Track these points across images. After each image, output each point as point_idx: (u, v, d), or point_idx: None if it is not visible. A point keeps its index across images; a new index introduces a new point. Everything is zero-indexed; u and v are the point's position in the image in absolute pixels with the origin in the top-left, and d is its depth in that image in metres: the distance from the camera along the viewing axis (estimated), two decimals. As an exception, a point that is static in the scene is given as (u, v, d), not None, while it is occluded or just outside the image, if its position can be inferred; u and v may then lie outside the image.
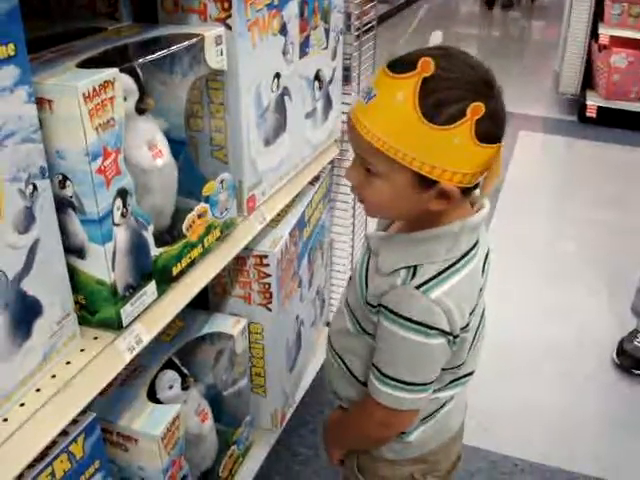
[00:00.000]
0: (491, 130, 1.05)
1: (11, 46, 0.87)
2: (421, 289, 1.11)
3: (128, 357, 1.14)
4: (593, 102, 4.88)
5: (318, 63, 1.76)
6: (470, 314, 1.17)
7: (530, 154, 4.50)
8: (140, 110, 1.17)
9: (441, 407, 1.33)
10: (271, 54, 1.50)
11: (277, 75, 1.54)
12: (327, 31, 1.77)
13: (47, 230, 0.99)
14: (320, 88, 1.80)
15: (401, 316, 1.12)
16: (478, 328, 1.25)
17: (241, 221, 1.50)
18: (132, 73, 1.10)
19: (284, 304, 1.78)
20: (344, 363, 1.33)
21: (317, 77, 1.76)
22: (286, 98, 1.61)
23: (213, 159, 1.46)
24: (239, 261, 1.66)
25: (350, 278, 1.35)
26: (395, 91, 1.02)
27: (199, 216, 1.31)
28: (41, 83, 0.96)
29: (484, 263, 1.23)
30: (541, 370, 2.58)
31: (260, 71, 1.47)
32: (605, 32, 4.70)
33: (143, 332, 1.18)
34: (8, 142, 0.89)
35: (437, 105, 1.01)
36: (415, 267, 1.13)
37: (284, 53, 1.55)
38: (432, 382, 1.19)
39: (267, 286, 1.69)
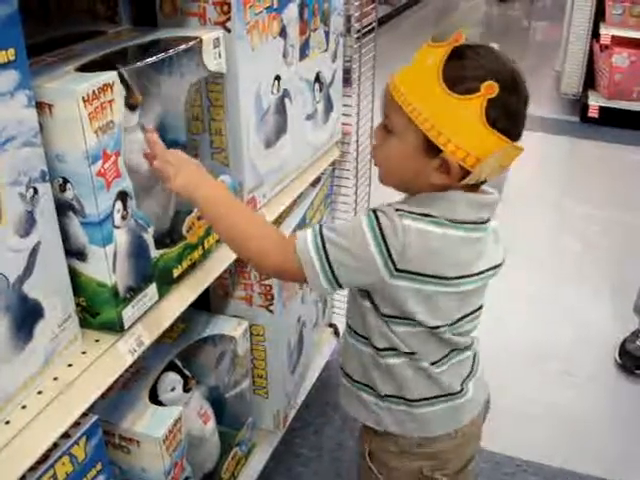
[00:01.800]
0: (502, 119, 1.09)
1: (11, 51, 0.88)
2: (398, 212, 1.13)
3: (130, 359, 1.15)
4: (595, 102, 4.88)
5: (318, 65, 1.76)
6: (437, 277, 1.15)
7: (532, 154, 4.48)
8: (130, 106, 1.17)
9: (454, 394, 1.32)
10: (271, 57, 1.50)
11: (277, 77, 1.54)
12: (327, 33, 1.77)
13: (48, 233, 1.00)
14: (320, 90, 1.80)
15: (375, 215, 1.12)
16: (465, 316, 1.26)
17: (242, 223, 1.50)
18: (122, 76, 1.09)
19: (286, 306, 1.78)
20: (349, 326, 1.33)
21: (317, 79, 1.77)
22: (286, 100, 1.61)
23: (213, 162, 1.46)
24: (240, 263, 1.66)
25: None
26: (427, 57, 1.12)
27: (199, 218, 1.31)
28: (41, 87, 0.97)
29: (487, 270, 1.24)
30: (543, 370, 2.58)
31: (260, 74, 1.47)
32: (606, 32, 4.70)
33: (144, 334, 1.19)
34: (8, 146, 0.90)
35: (458, 77, 1.08)
36: (409, 212, 1.14)
37: (284, 55, 1.56)
38: (338, 284, 1.15)
39: (268, 288, 1.70)
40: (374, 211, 1.14)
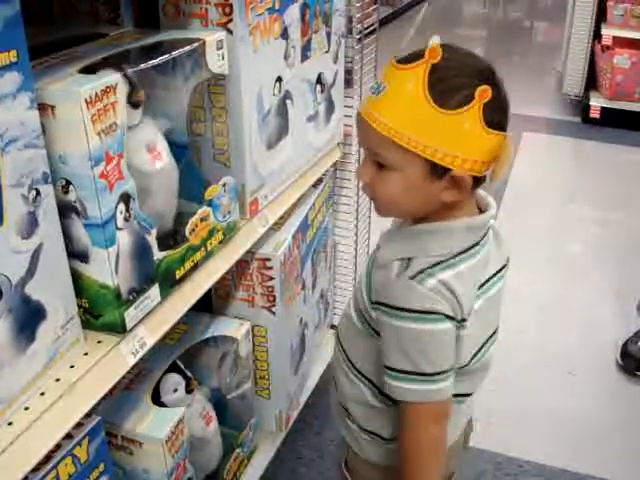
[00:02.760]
0: (497, 116, 1.08)
1: (13, 52, 0.88)
2: (415, 279, 1.11)
3: (132, 361, 1.15)
4: (596, 103, 4.88)
5: (320, 66, 1.76)
6: (468, 315, 1.16)
7: (534, 155, 4.49)
8: (133, 104, 1.17)
9: None
10: (272, 58, 1.51)
11: (279, 79, 1.54)
12: (329, 34, 1.77)
13: (50, 235, 1.00)
14: (322, 91, 1.80)
15: (400, 308, 1.12)
16: (480, 350, 1.25)
17: (244, 224, 1.50)
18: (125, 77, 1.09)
19: (288, 307, 1.79)
20: (347, 356, 1.33)
21: (319, 80, 1.77)
22: (288, 102, 1.61)
23: (215, 163, 1.46)
24: (242, 264, 1.66)
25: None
26: (405, 81, 1.06)
27: (201, 219, 1.31)
28: (43, 89, 0.96)
29: (493, 275, 1.24)
30: (545, 371, 2.58)
31: (262, 75, 1.47)
32: (608, 33, 4.70)
33: (147, 336, 1.19)
34: (11, 148, 0.90)
35: (446, 90, 1.04)
36: (409, 259, 1.14)
37: (286, 57, 1.56)
38: (451, 369, 1.16)
39: (270, 289, 1.70)
40: (389, 306, 1.13)
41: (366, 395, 1.30)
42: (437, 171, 1.08)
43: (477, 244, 1.18)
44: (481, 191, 1.21)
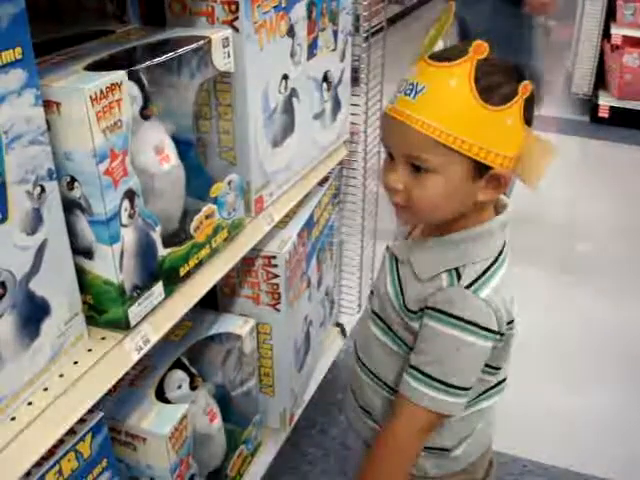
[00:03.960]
0: (531, 113, 1.08)
1: (18, 49, 0.88)
2: (471, 288, 1.11)
3: (136, 357, 1.15)
4: (605, 102, 4.87)
5: (326, 65, 1.76)
6: (508, 325, 1.18)
7: (542, 154, 4.47)
8: (145, 116, 1.18)
9: (483, 417, 1.32)
10: (279, 56, 1.51)
11: (285, 77, 1.54)
12: (335, 33, 1.77)
13: (55, 231, 1.00)
14: (328, 90, 1.80)
15: (452, 315, 1.11)
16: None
17: (249, 222, 1.51)
18: (136, 79, 1.09)
19: (292, 305, 1.79)
20: (375, 375, 1.32)
21: (325, 79, 1.77)
22: (294, 99, 1.61)
23: (221, 160, 1.47)
24: (247, 262, 1.67)
25: (372, 292, 1.34)
26: (447, 78, 1.04)
27: (207, 217, 1.31)
28: (49, 86, 0.97)
29: None
30: (550, 371, 2.57)
31: (268, 73, 1.47)
32: (617, 32, 4.69)
33: (151, 332, 1.19)
34: (16, 144, 0.90)
35: (491, 86, 1.04)
36: (457, 269, 1.14)
37: (292, 55, 1.56)
38: (471, 388, 1.17)
39: (275, 287, 1.70)
40: (442, 312, 1.12)
41: None
42: (479, 170, 1.07)
43: (505, 244, 1.20)
44: None
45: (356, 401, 1.39)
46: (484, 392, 1.28)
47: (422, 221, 1.22)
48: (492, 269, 1.14)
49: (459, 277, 1.13)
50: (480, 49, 1.03)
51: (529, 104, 1.06)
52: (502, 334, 1.16)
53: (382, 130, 1.15)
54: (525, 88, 1.04)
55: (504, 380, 1.33)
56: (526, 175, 1.11)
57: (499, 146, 1.05)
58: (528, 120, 1.07)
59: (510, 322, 1.18)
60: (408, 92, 1.06)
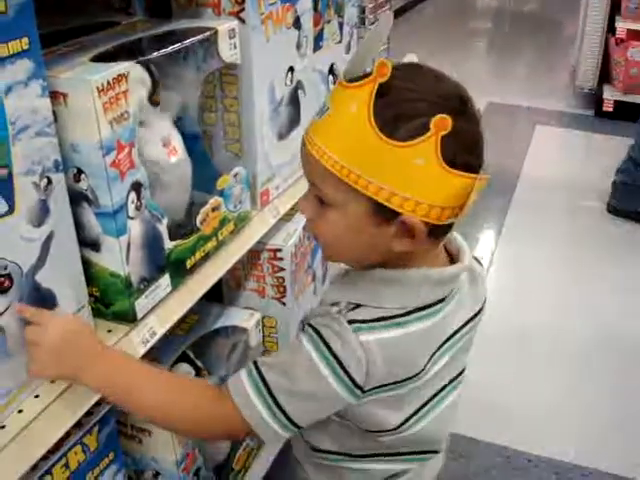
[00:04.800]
0: (462, 154, 0.89)
1: (25, 40, 0.88)
2: (353, 326, 0.95)
3: (142, 350, 1.15)
4: (610, 96, 4.85)
5: (332, 57, 1.75)
6: (409, 378, 0.99)
7: (546, 148, 4.47)
8: (153, 102, 1.17)
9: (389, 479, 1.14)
10: (285, 48, 1.50)
11: (291, 69, 1.54)
12: (341, 25, 1.76)
13: (61, 223, 1.00)
14: (334, 82, 1.79)
15: (322, 340, 0.95)
16: (436, 395, 1.08)
17: (255, 215, 1.50)
18: (145, 65, 1.09)
19: (298, 298, 1.78)
20: None
21: (331, 71, 1.76)
22: (300, 92, 1.61)
23: (227, 153, 1.46)
24: (253, 255, 1.66)
25: None
26: (349, 102, 0.88)
27: (213, 209, 1.31)
28: (55, 77, 0.96)
29: (466, 323, 1.09)
30: (556, 366, 2.57)
31: (274, 65, 1.47)
32: (622, 26, 4.67)
33: (157, 325, 1.19)
34: (22, 136, 0.90)
35: (396, 117, 0.87)
36: (358, 305, 0.98)
37: (298, 47, 1.55)
38: (297, 427, 0.99)
39: (281, 280, 1.70)
40: (318, 333, 0.96)
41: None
42: (385, 214, 0.91)
43: (442, 300, 1.01)
44: (455, 235, 1.06)
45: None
46: (370, 455, 1.11)
47: (332, 259, 1.09)
48: (392, 321, 0.96)
49: (352, 310, 0.97)
50: (383, 69, 0.85)
51: (455, 142, 0.86)
52: (365, 391, 0.96)
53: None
54: (439, 123, 0.84)
55: (426, 452, 1.15)
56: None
57: (407, 189, 0.88)
58: (455, 162, 0.87)
59: (390, 384, 0.98)
60: (319, 113, 0.95)
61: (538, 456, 2.16)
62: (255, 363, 0.99)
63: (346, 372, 0.94)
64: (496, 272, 3.08)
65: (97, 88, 0.97)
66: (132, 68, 1.04)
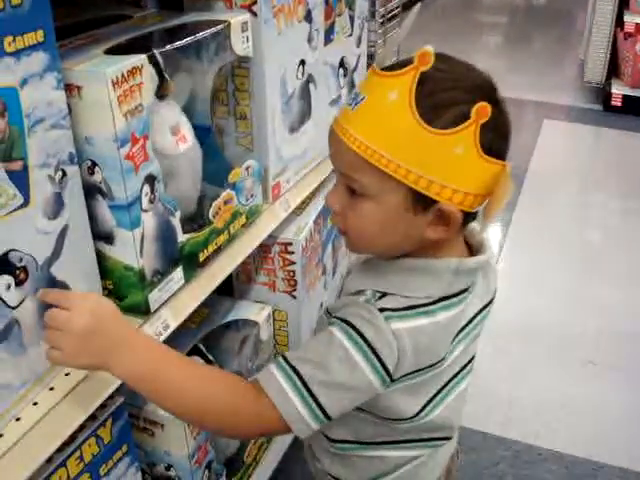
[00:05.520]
0: (496, 141, 0.91)
1: (40, 32, 0.88)
2: (384, 313, 0.95)
3: (155, 343, 1.15)
4: (618, 90, 4.83)
5: (343, 50, 1.75)
6: (432, 365, 1.00)
7: (554, 143, 4.46)
8: (160, 96, 1.17)
9: (403, 465, 1.14)
10: (296, 41, 1.50)
11: (302, 62, 1.54)
12: (352, 18, 1.76)
13: (76, 216, 1.00)
14: (345, 75, 1.79)
15: (354, 328, 0.95)
16: (449, 382, 1.09)
17: (266, 208, 1.50)
18: (152, 60, 1.08)
19: (308, 291, 1.78)
20: None
21: (342, 64, 1.76)
22: (311, 85, 1.60)
23: (238, 146, 1.46)
24: (264, 248, 1.66)
25: None
26: (387, 90, 0.88)
27: (225, 202, 1.31)
28: (70, 69, 0.97)
29: (478, 313, 1.09)
30: (566, 359, 2.57)
31: (285, 58, 1.47)
32: (631, 20, 4.66)
33: (170, 318, 1.19)
34: (38, 128, 0.90)
35: (437, 105, 0.87)
36: (384, 293, 0.98)
37: (309, 40, 1.55)
38: (329, 419, 0.97)
39: (292, 273, 1.70)
40: (348, 322, 0.95)
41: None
42: (422, 202, 0.91)
43: (465, 290, 1.02)
44: (475, 225, 1.05)
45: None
46: (385, 442, 1.11)
47: (360, 250, 1.07)
48: (421, 309, 0.97)
49: (381, 299, 0.97)
50: (425, 58, 0.86)
51: (491, 130, 0.88)
52: (393, 380, 0.96)
53: (328, 144, 0.99)
54: (481, 110, 0.86)
55: (440, 439, 1.15)
56: (488, 210, 0.94)
57: (445, 177, 0.88)
58: (491, 150, 0.89)
59: (414, 372, 0.98)
60: (351, 102, 0.93)
61: (548, 450, 2.16)
62: (284, 357, 0.98)
63: (379, 360, 0.94)
64: (505, 266, 3.07)
65: (112, 81, 0.97)
66: (146, 61, 1.04)
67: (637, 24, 4.63)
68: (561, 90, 5.27)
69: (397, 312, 0.95)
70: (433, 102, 0.87)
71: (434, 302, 0.98)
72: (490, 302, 1.13)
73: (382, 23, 1.96)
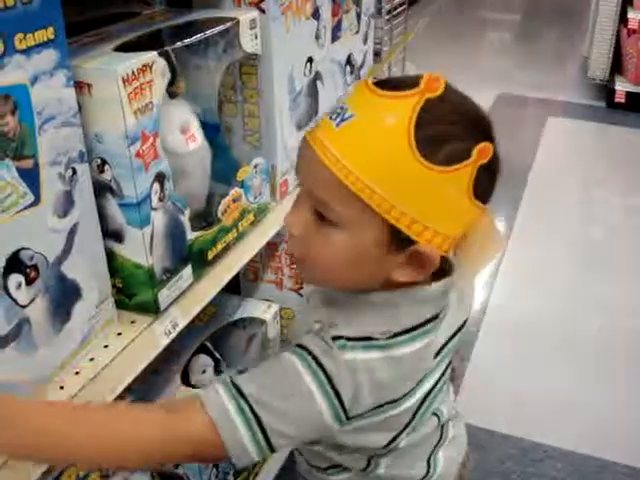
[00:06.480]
0: (488, 185, 0.84)
1: (50, 30, 0.87)
2: (337, 342, 0.85)
3: (165, 341, 1.14)
4: (622, 87, 4.82)
5: (350, 47, 1.75)
6: (396, 400, 0.91)
7: (558, 140, 4.45)
8: (171, 93, 1.17)
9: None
10: (304, 38, 1.49)
11: (310, 59, 1.53)
12: (359, 15, 1.76)
13: (86, 214, 1.00)
14: (352, 72, 1.79)
15: (309, 352, 0.86)
16: (419, 410, 0.98)
17: (274, 206, 1.50)
18: (165, 56, 1.07)
19: (315, 290, 1.78)
20: None
21: (349, 61, 1.75)
22: (318, 82, 1.60)
23: (246, 144, 1.46)
24: (271, 246, 1.66)
25: None
26: (384, 113, 0.79)
27: (234, 200, 1.31)
28: (80, 67, 0.96)
29: (451, 337, 1.00)
30: (572, 358, 2.56)
31: (293, 55, 1.46)
32: (634, 17, 4.63)
33: (179, 316, 1.18)
34: (48, 126, 0.90)
35: (436, 138, 0.79)
36: (337, 324, 0.89)
37: (316, 37, 1.54)
38: (271, 450, 0.85)
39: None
40: (303, 347, 0.86)
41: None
42: (399, 241, 0.82)
43: (435, 318, 0.92)
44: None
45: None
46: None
47: (315, 283, 0.98)
48: (373, 342, 0.86)
49: (332, 327, 0.88)
50: (434, 84, 0.78)
51: (485, 174, 0.81)
52: (349, 417, 0.87)
53: (297, 156, 0.88)
54: (483, 151, 0.78)
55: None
56: (465, 262, 0.89)
57: (430, 217, 0.80)
58: (480, 193, 0.82)
59: (373, 409, 0.89)
60: (334, 116, 0.82)
61: (555, 448, 2.16)
62: (231, 378, 0.87)
63: (334, 388, 0.84)
64: (508, 263, 3.06)
65: (122, 78, 0.96)
66: (156, 58, 1.04)
67: (641, 21, 4.62)
68: (565, 87, 5.25)
69: (352, 342, 0.86)
70: (432, 133, 0.78)
71: (394, 336, 0.88)
72: (459, 329, 1.02)
73: (388, 20, 1.95)
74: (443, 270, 0.90)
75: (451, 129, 0.80)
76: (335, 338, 0.85)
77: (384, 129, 0.78)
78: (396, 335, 0.88)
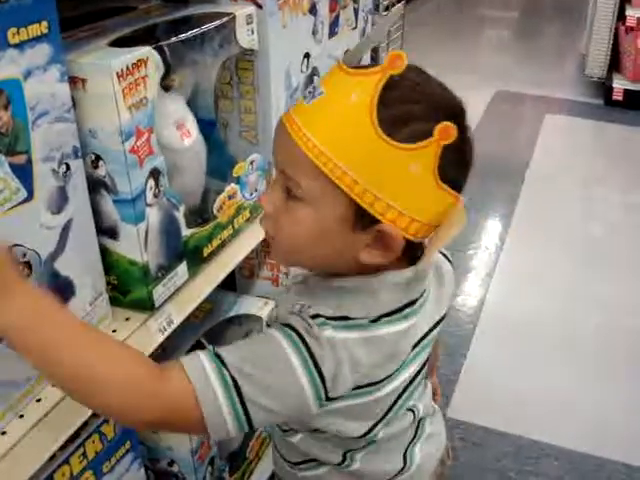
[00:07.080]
0: (456, 170, 0.84)
1: (44, 24, 0.86)
2: (316, 320, 0.86)
3: (160, 338, 1.14)
4: (619, 85, 4.81)
5: (347, 43, 1.73)
6: (375, 383, 0.91)
7: (555, 138, 4.45)
8: (165, 87, 1.16)
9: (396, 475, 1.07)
10: (301, 34, 1.48)
11: (307, 55, 1.52)
12: (356, 11, 1.75)
13: (80, 210, 0.99)
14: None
15: (293, 328, 0.86)
16: (396, 403, 0.98)
17: (270, 203, 1.49)
18: (159, 49, 1.06)
19: (311, 287, 1.77)
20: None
21: (346, 58, 1.75)
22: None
23: (242, 140, 1.45)
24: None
25: None
26: (349, 89, 0.80)
27: (229, 197, 1.30)
28: (74, 62, 0.95)
29: (433, 327, 1.01)
30: (569, 355, 2.56)
31: (290, 51, 1.45)
32: (632, 14, 4.63)
33: (174, 313, 1.18)
34: (41, 121, 0.89)
35: (399, 116, 0.79)
36: (317, 315, 0.88)
37: (314, 33, 1.53)
38: (250, 426, 0.85)
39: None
40: (287, 324, 0.87)
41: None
42: (363, 220, 0.83)
43: (414, 302, 0.93)
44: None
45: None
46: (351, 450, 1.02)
47: (285, 261, 0.98)
48: (353, 322, 0.87)
49: (310, 307, 0.88)
50: (395, 62, 0.77)
51: (452, 156, 0.81)
52: (329, 397, 0.86)
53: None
54: (445, 130, 0.77)
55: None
56: (435, 239, 0.87)
57: (393, 196, 0.81)
58: (448, 178, 0.82)
59: (354, 389, 0.89)
60: (306, 95, 0.84)
61: (552, 446, 2.15)
62: (214, 347, 0.87)
63: (316, 365, 0.84)
64: (506, 261, 3.06)
65: (117, 73, 0.95)
66: (151, 53, 1.03)
67: (639, 18, 4.60)
68: (562, 85, 5.25)
69: (330, 321, 0.86)
70: (396, 112, 0.79)
71: (374, 319, 0.89)
72: (441, 320, 1.03)
73: (385, 16, 1.94)
74: (419, 258, 0.91)
75: (413, 107, 0.81)
76: (314, 317, 0.86)
77: (348, 105, 0.80)
78: (375, 319, 0.89)
